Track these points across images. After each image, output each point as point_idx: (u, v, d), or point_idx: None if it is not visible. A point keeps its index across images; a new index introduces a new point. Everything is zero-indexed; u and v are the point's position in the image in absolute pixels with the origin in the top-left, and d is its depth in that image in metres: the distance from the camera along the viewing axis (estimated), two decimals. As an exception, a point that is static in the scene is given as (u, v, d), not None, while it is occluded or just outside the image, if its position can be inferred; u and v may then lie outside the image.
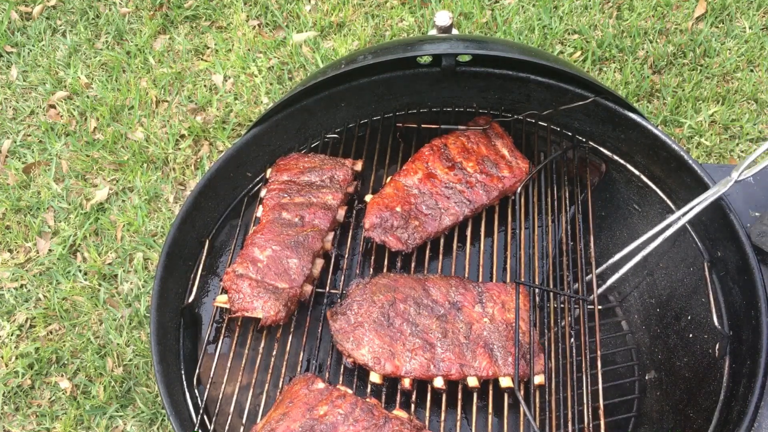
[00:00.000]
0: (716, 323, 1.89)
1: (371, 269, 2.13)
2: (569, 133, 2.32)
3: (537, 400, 1.88)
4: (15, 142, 3.69)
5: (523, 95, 2.31)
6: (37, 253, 3.33)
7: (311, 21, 3.99)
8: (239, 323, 2.03)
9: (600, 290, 2.07)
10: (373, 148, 2.34)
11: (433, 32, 2.23)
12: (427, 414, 1.86)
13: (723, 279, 2.00)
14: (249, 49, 3.92)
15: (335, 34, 3.95)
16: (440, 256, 2.17)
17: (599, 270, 2.12)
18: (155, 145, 3.60)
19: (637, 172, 2.25)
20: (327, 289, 2.08)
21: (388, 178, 2.22)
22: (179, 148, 3.60)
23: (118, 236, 3.34)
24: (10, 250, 3.36)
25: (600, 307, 2.07)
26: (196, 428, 1.90)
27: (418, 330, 1.91)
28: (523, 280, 2.01)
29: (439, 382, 1.86)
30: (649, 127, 2.11)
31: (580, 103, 2.20)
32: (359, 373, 1.98)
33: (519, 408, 1.80)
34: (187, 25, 4.08)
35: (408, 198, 2.14)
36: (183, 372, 2.01)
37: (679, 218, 2.00)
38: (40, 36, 4.08)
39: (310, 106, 2.29)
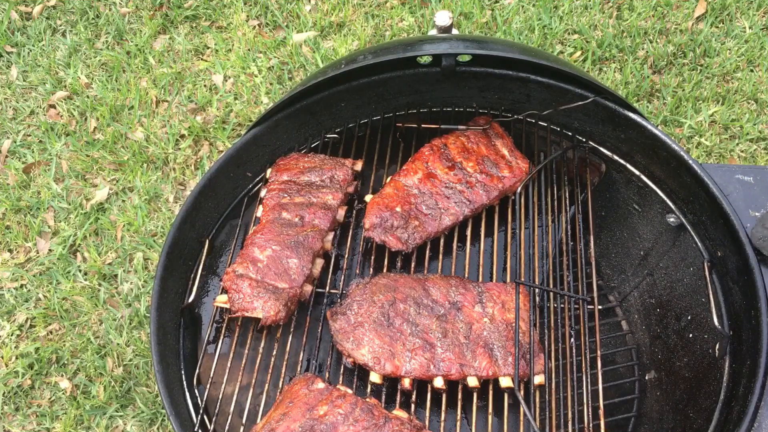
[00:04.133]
0: (716, 323, 1.89)
1: (371, 269, 2.13)
2: (569, 133, 2.32)
3: (537, 400, 1.88)
4: (15, 142, 3.69)
5: (523, 95, 2.31)
6: (37, 253, 3.33)
7: (311, 21, 3.99)
8: (239, 323, 2.03)
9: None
10: (373, 148, 2.34)
11: (433, 32, 2.23)
12: (427, 414, 1.86)
13: (723, 279, 2.00)
14: (249, 49, 3.92)
15: (335, 34, 3.95)
16: (440, 256, 2.17)
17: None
18: (155, 145, 3.60)
19: (637, 172, 2.25)
20: (327, 289, 2.08)
21: (388, 178, 2.22)
22: (179, 148, 3.60)
23: (118, 236, 3.34)
24: (10, 250, 3.36)
25: (600, 307, 2.07)
26: (196, 428, 1.90)
27: (418, 330, 1.91)
28: (523, 280, 2.01)
29: (439, 382, 1.86)
30: (649, 127, 2.11)
31: (580, 103, 2.20)
32: (359, 373, 1.98)
33: (519, 408, 1.80)
34: (187, 25, 4.08)
35: (408, 198, 2.14)
36: (183, 372, 2.01)
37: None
38: (40, 36, 4.08)
39: (310, 106, 2.29)
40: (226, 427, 1.90)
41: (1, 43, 4.05)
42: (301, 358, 1.97)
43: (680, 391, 2.05)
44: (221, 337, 2.03)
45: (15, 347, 3.08)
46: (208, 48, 3.99)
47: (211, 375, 1.97)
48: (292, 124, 2.31)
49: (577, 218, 2.16)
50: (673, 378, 2.10)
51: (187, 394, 1.98)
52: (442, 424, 1.91)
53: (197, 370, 2.01)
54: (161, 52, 3.96)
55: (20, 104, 3.83)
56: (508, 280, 2.14)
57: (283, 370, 1.94)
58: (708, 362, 1.97)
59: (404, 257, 2.11)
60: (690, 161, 2.03)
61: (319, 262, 2.08)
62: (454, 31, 2.23)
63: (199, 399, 1.98)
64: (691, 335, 2.08)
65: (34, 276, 3.25)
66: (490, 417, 1.87)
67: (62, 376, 3.01)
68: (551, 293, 2.01)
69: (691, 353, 2.06)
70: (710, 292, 1.95)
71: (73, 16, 4.16)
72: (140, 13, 4.13)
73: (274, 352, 1.97)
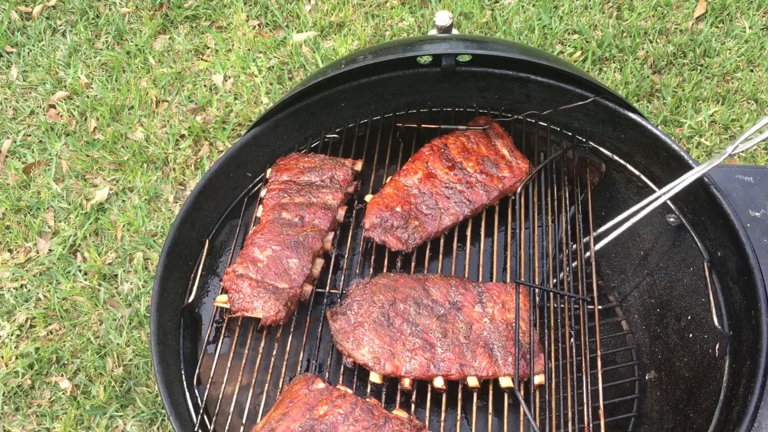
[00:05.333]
0: (716, 323, 1.89)
1: (371, 269, 2.13)
2: (569, 133, 2.32)
3: (537, 400, 1.88)
4: (15, 142, 3.69)
5: (523, 95, 2.31)
6: (37, 253, 3.33)
7: (311, 21, 3.99)
8: (239, 323, 2.03)
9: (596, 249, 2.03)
10: (373, 148, 2.34)
11: (433, 32, 2.23)
12: (427, 414, 1.86)
13: (723, 279, 2.00)
14: (249, 49, 3.92)
15: (335, 34, 3.95)
16: (440, 256, 2.17)
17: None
18: (155, 145, 3.60)
19: (637, 172, 2.25)
20: (327, 289, 2.08)
21: (388, 178, 2.22)
22: (179, 148, 3.60)
23: (118, 236, 3.34)
24: (10, 250, 3.36)
25: (600, 307, 2.07)
26: (196, 428, 1.90)
27: (418, 330, 1.91)
28: (523, 280, 2.01)
29: (439, 382, 1.86)
30: (649, 127, 2.11)
31: (580, 103, 2.20)
32: (359, 373, 1.98)
33: (519, 408, 1.80)
34: (187, 25, 4.08)
35: (408, 198, 2.14)
36: (183, 372, 2.01)
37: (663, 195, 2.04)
38: (40, 36, 4.08)
39: (310, 106, 2.29)
40: (226, 427, 1.90)
41: (1, 43, 4.05)
42: (301, 358, 1.97)
43: (680, 391, 2.05)
44: (221, 337, 2.03)
45: (15, 347, 3.08)
46: (208, 48, 3.99)
47: (211, 375, 1.97)
48: (292, 124, 2.31)
49: (577, 218, 2.16)
50: (673, 378, 2.10)
51: (187, 394, 1.98)
52: (442, 424, 1.91)
53: (197, 370, 2.01)
54: (161, 52, 3.96)
55: (20, 104, 3.83)
56: (508, 280, 2.14)
57: (283, 370, 1.94)
58: (708, 362, 1.97)
59: (404, 257, 2.11)
60: (690, 161, 2.03)
61: (319, 262, 2.08)
62: (454, 31, 2.23)
63: (199, 399, 1.98)
64: (691, 335, 2.08)
65: (34, 276, 3.25)
66: (490, 417, 1.87)
67: (62, 376, 3.01)
68: (551, 293, 2.01)
69: (691, 353, 2.06)
70: (710, 292, 1.95)
71: (73, 16, 4.16)
72: (140, 13, 4.13)
73: (274, 352, 1.97)
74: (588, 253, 2.09)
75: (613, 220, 2.13)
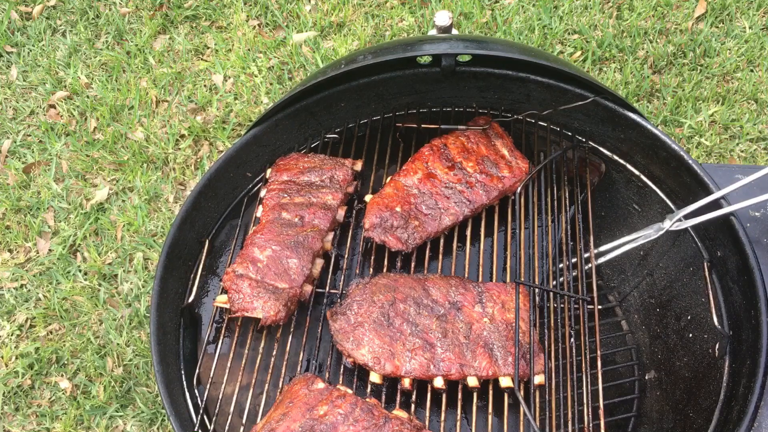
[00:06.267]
0: (716, 323, 1.89)
1: (371, 269, 2.13)
2: (569, 133, 2.32)
3: (537, 400, 1.88)
4: (15, 142, 3.69)
5: (523, 95, 2.31)
6: (37, 253, 3.33)
7: (311, 21, 3.99)
8: (239, 323, 2.03)
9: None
10: (373, 148, 2.34)
11: (433, 32, 2.24)
12: (427, 414, 1.86)
13: (723, 279, 2.00)
14: (249, 49, 3.92)
15: (335, 34, 3.95)
16: (440, 256, 2.17)
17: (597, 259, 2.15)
18: (155, 145, 3.60)
19: (637, 172, 2.25)
20: (327, 289, 2.08)
21: (388, 178, 2.22)
22: (179, 148, 3.60)
23: (118, 236, 3.34)
24: (10, 250, 3.36)
25: (600, 307, 2.07)
26: (196, 428, 1.90)
27: (418, 330, 1.91)
28: (523, 280, 2.01)
29: (439, 382, 1.86)
30: (649, 127, 2.11)
31: (580, 103, 2.20)
32: (359, 373, 1.98)
33: (519, 408, 1.80)
34: (187, 25, 4.08)
35: (408, 198, 2.14)
36: (183, 372, 2.01)
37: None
38: (40, 36, 4.08)
39: (310, 106, 2.29)
40: (226, 427, 1.90)
41: (1, 43, 4.05)
42: (301, 358, 1.97)
43: (680, 390, 2.05)
44: (221, 337, 2.03)
45: (15, 347, 3.08)
46: (208, 48, 3.99)
47: (211, 375, 1.97)
48: (292, 124, 2.31)
49: (577, 218, 2.16)
50: (673, 378, 2.10)
51: (187, 394, 1.98)
52: (442, 424, 1.91)
53: (197, 370, 2.01)
54: (161, 52, 3.96)
55: (20, 104, 3.83)
56: (508, 280, 2.14)
57: (283, 370, 1.94)
58: (708, 362, 1.98)
59: (404, 257, 2.11)
60: (690, 161, 2.03)
61: (319, 262, 2.08)
62: (454, 31, 2.23)
63: (199, 399, 1.98)
64: (691, 335, 2.08)
65: (34, 276, 3.25)
66: (490, 417, 1.87)
67: (62, 376, 3.01)
68: (551, 293, 2.01)
69: (691, 353, 2.06)
70: (710, 292, 1.95)
71: (73, 16, 4.16)
72: (140, 13, 4.13)
73: (274, 352, 1.97)
74: (589, 266, 2.09)
75: (616, 241, 2.17)
